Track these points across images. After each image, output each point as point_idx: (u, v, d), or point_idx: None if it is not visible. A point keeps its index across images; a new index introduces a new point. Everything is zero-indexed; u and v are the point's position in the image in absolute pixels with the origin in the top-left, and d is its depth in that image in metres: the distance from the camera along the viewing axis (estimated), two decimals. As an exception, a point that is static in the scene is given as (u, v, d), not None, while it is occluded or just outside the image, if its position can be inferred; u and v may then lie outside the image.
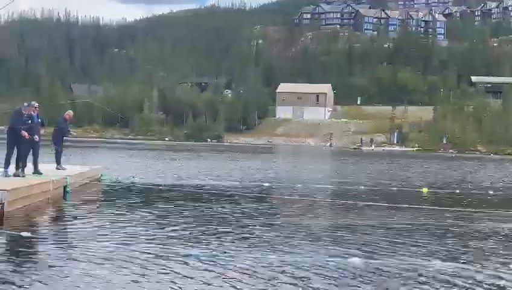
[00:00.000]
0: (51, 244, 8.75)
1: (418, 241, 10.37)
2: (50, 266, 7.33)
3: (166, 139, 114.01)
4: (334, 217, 13.29)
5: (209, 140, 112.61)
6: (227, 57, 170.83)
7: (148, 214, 12.37)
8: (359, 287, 7.07)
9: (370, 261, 8.27)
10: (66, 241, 8.99)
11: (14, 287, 6.36)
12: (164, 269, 7.44)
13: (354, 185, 21.75)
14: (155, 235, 9.90)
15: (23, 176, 14.71)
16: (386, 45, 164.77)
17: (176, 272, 7.28)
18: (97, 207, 13.48)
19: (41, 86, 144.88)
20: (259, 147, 78.97)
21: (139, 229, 10.49)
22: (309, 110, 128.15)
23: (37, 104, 16.37)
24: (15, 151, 15.05)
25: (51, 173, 16.33)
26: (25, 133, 15.07)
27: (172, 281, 6.88)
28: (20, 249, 8.43)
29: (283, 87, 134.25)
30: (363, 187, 20.95)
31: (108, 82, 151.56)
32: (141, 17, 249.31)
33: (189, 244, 9.13)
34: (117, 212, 12.66)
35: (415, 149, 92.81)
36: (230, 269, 7.54)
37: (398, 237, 10.64)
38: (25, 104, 15.86)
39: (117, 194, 16.60)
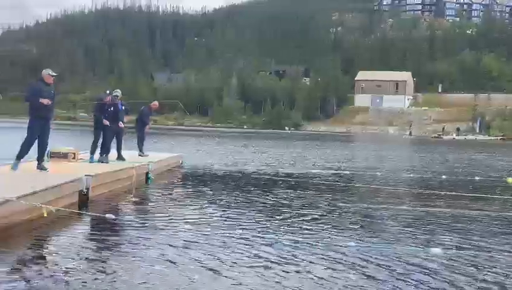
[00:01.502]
0: (134, 227, 8.94)
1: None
2: (133, 249, 7.49)
3: (245, 127, 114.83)
4: (416, 206, 13.01)
5: (287, 128, 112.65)
6: (305, 45, 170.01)
7: (230, 200, 12.48)
8: (448, 278, 6.89)
9: (459, 252, 8.06)
10: (149, 225, 9.16)
11: (99, 266, 6.53)
12: (246, 254, 7.47)
13: (436, 174, 21.30)
14: (237, 220, 9.96)
15: (107, 162, 15.11)
16: (468, 31, 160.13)
17: (259, 258, 7.30)
18: (179, 193, 13.68)
19: (124, 74, 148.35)
20: (340, 135, 78.41)
21: (222, 214, 10.59)
22: (388, 98, 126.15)
23: (120, 92, 16.77)
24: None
25: (133, 159, 16.75)
26: (106, 122, 15.48)
27: (252, 267, 6.90)
28: (104, 231, 8.65)
29: (362, 74, 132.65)
30: (444, 176, 20.49)
31: (189, 70, 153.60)
32: (220, 6, 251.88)
33: (272, 230, 9.15)
34: (199, 198, 12.84)
35: (499, 138, 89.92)
36: (314, 256, 7.50)
37: (486, 228, 10.34)
38: (107, 91, 16.22)
39: (198, 180, 16.83)
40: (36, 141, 12.20)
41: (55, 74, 12.31)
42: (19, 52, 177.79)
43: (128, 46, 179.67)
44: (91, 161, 15.11)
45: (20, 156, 12.18)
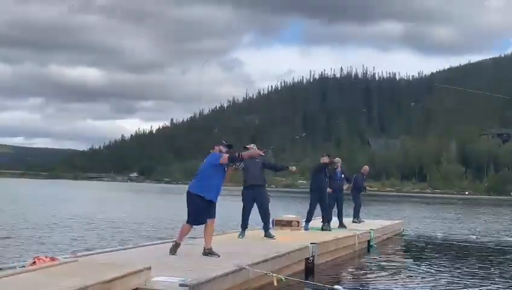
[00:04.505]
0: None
1: None
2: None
3: (467, 193, 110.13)
4: None
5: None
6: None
7: (455, 271, 11.89)
8: None
9: None
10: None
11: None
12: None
13: None
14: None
15: (330, 230, 15.20)
16: None
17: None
18: (402, 262, 13.34)
19: (341, 141, 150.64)
20: None
21: (447, 286, 10.12)
22: None
23: (339, 161, 16.91)
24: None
25: (351, 226, 16.75)
26: (329, 190, 15.66)
27: None
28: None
29: None
30: None
31: (405, 135, 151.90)
32: (438, 69, 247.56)
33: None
34: (422, 268, 12.40)
35: None
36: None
37: None
38: (324, 154, 16.31)
39: (421, 249, 16.28)
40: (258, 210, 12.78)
41: (249, 146, 12.17)
42: (243, 122, 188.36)
43: (345, 113, 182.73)
44: (306, 228, 15.28)
45: (243, 224, 12.83)
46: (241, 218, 12.91)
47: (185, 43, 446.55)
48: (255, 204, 12.82)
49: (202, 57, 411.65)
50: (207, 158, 9.72)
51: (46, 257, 7.77)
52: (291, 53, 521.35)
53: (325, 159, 15.50)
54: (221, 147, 9.73)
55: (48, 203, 35.25)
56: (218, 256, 9.36)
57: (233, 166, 9.87)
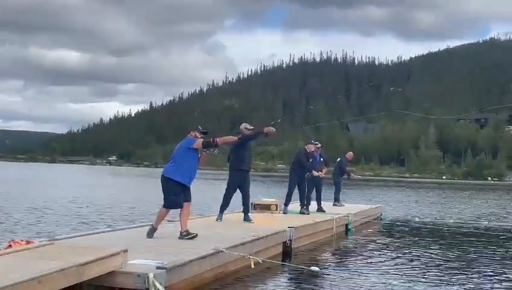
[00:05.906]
0: (338, 280, 8.89)
1: None
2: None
3: (444, 177, 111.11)
4: None
5: (489, 178, 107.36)
6: (509, 91, 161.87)
7: (433, 255, 11.99)
8: None
9: None
10: (351, 277, 9.07)
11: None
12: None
13: None
14: (440, 276, 9.53)
15: (308, 214, 15.26)
16: None
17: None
18: (379, 246, 13.43)
19: (320, 125, 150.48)
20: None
21: (424, 269, 10.21)
22: None
23: (319, 145, 16.94)
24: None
25: (332, 210, 16.83)
26: (315, 174, 15.65)
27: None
28: (310, 283, 8.70)
29: None
30: None
31: (385, 120, 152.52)
32: (417, 55, 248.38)
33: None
34: (400, 251, 12.50)
35: None
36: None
37: None
38: (312, 141, 16.40)
39: (399, 233, 16.41)
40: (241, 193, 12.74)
41: (251, 128, 12.45)
42: (222, 106, 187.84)
43: (325, 97, 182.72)
44: (285, 212, 15.32)
45: (223, 207, 12.77)
46: (221, 201, 12.77)
47: (167, 26, 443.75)
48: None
49: (184, 41, 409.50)
50: (181, 143, 9.73)
51: (22, 240, 7.70)
52: (274, 37, 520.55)
53: (311, 147, 15.55)
54: (196, 132, 9.72)
55: (25, 187, 34.98)
56: (196, 235, 9.40)
57: (207, 152, 9.87)
